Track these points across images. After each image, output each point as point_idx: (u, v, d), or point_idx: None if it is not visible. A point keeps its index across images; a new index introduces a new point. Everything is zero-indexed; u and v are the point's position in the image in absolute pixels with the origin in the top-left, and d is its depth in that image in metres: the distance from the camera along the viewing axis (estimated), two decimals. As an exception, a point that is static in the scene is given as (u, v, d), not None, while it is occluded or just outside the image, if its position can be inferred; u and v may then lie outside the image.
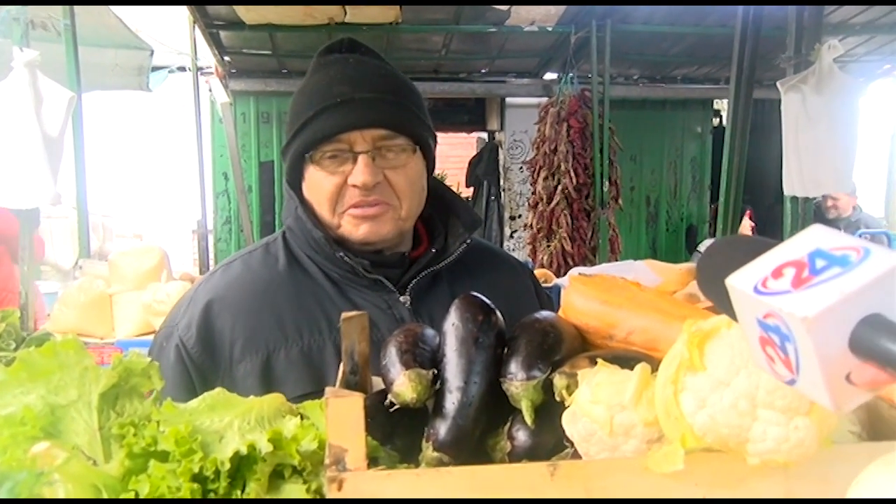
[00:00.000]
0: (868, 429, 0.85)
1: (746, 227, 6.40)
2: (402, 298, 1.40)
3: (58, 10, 4.47)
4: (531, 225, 6.74)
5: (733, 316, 0.65)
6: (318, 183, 1.35)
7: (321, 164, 1.34)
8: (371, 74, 1.38)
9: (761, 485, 0.75)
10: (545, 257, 6.48)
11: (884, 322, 0.56)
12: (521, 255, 7.34)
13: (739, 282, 0.63)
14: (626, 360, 0.85)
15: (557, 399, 0.85)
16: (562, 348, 0.93)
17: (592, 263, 6.23)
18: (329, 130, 1.31)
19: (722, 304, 0.67)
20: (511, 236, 8.16)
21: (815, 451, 0.71)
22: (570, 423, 0.82)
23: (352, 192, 1.33)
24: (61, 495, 0.76)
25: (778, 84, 4.05)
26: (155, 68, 6.84)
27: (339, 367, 0.99)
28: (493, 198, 8.12)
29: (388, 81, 1.38)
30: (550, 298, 1.69)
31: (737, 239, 0.80)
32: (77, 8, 4.49)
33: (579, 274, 1.16)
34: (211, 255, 7.53)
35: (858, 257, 0.59)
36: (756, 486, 0.75)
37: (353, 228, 1.36)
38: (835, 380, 0.58)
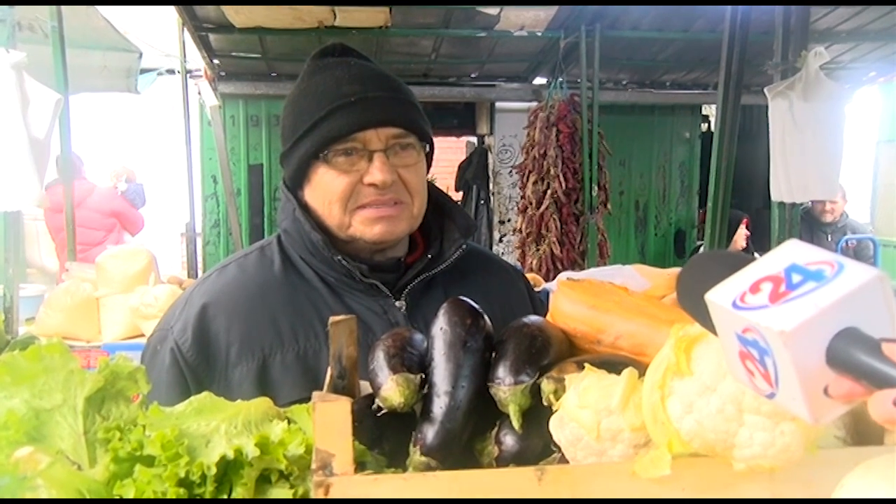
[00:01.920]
0: (853, 434, 0.86)
1: (742, 235, 6.41)
2: (397, 303, 1.40)
3: (45, 12, 4.44)
4: (520, 229, 6.75)
5: (713, 330, 0.66)
6: (329, 183, 1.34)
7: (334, 163, 1.33)
8: (376, 75, 1.38)
9: (748, 490, 0.75)
10: (534, 261, 6.49)
11: (859, 336, 0.57)
12: (511, 259, 7.35)
13: (718, 297, 0.64)
14: (613, 365, 0.85)
15: (545, 404, 0.85)
16: (549, 353, 0.93)
17: (581, 268, 6.24)
18: (344, 129, 1.30)
19: (701, 318, 0.68)
20: (500, 240, 8.17)
21: (800, 456, 0.71)
22: (558, 427, 0.82)
23: (366, 191, 1.33)
24: (45, 501, 0.76)
25: (765, 90, 4.09)
26: (143, 71, 6.82)
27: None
28: (482, 202, 8.13)
29: (392, 82, 1.39)
30: (543, 303, 1.69)
31: (715, 254, 0.82)
32: (64, 9, 4.46)
33: (568, 278, 1.16)
34: (199, 259, 7.50)
35: (833, 272, 0.60)
36: (742, 490, 0.75)
37: (367, 228, 1.35)
38: (813, 393, 0.59)
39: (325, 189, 1.35)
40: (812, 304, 0.58)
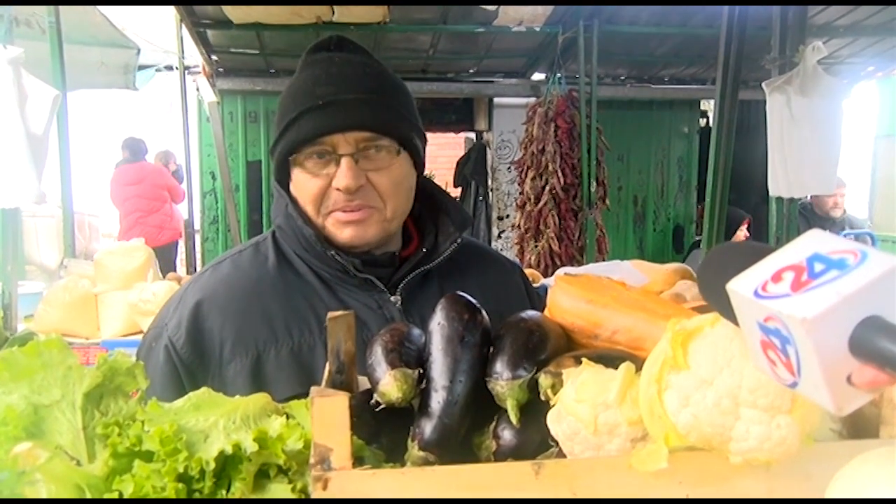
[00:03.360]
0: (849, 427, 0.86)
1: (741, 237, 6.38)
2: (392, 298, 1.39)
3: (42, 8, 4.43)
4: (519, 225, 6.75)
5: (734, 320, 0.66)
6: (303, 185, 1.35)
7: (304, 166, 1.33)
8: (356, 74, 1.36)
9: (744, 483, 0.76)
10: (533, 257, 6.49)
11: (882, 324, 0.57)
12: (509, 255, 7.34)
13: (740, 286, 0.63)
14: (610, 360, 0.86)
15: (542, 398, 0.86)
16: (547, 347, 0.93)
17: (580, 263, 6.24)
18: (311, 133, 1.30)
19: (724, 309, 0.67)
20: (499, 236, 8.17)
21: (796, 449, 0.71)
22: (555, 422, 0.82)
23: (336, 195, 1.33)
24: (43, 495, 0.76)
25: (763, 85, 4.08)
26: (142, 67, 6.81)
27: (328, 367, 0.98)
28: (480, 198, 8.12)
29: (373, 81, 1.37)
30: (541, 297, 1.68)
31: (737, 245, 0.81)
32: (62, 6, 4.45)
33: (565, 273, 1.17)
34: (198, 255, 7.50)
35: (856, 260, 0.59)
36: (739, 484, 0.76)
37: (338, 231, 1.35)
38: (836, 381, 0.59)
39: (300, 190, 1.36)
40: (835, 291, 0.57)
